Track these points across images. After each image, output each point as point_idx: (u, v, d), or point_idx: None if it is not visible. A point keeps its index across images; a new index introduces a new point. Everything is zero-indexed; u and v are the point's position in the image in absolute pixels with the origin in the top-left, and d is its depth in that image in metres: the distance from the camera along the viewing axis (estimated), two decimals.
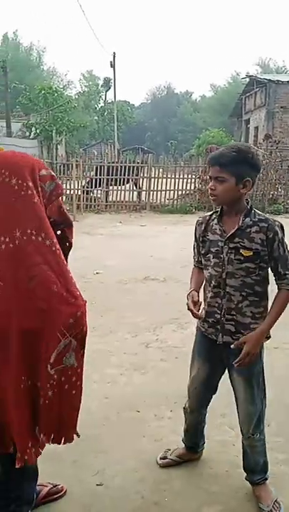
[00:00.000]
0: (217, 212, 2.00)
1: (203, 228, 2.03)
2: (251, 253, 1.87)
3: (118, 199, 13.19)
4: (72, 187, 12.27)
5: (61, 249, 1.52)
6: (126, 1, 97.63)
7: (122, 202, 13.18)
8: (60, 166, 13.22)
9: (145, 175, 13.26)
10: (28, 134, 25.03)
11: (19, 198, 1.42)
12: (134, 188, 13.40)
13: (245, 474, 2.18)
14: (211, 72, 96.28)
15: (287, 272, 1.87)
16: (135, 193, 13.38)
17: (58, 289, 1.42)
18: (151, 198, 13.08)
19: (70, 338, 1.44)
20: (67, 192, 12.51)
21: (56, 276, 1.42)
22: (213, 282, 1.97)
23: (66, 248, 1.66)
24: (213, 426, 2.68)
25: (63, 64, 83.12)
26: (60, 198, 1.60)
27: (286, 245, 1.88)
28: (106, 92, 44.19)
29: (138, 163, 13.45)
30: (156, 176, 13.28)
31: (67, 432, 1.59)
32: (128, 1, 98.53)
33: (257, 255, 1.87)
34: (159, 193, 13.13)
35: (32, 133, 24.69)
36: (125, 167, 12.99)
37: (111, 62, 29.49)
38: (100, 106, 45.35)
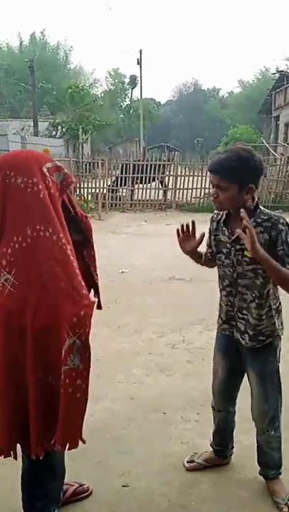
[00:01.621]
0: (227, 211, 1.97)
1: (215, 227, 2.03)
2: None
3: (143, 198, 13.18)
4: (97, 185, 12.33)
5: (80, 241, 1.51)
6: None
7: (148, 200, 13.15)
8: (86, 165, 13.32)
9: (171, 173, 13.20)
10: (54, 133, 25.35)
11: (27, 195, 1.43)
12: (160, 186, 13.35)
13: (259, 468, 2.19)
14: (239, 68, 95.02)
15: None
16: (161, 192, 13.33)
17: (65, 285, 1.42)
18: (177, 196, 13.01)
19: (74, 338, 1.41)
20: (93, 190, 12.59)
21: (63, 272, 1.42)
22: (226, 281, 2.00)
23: (85, 242, 1.69)
24: (242, 430, 2.62)
25: (90, 62, 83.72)
26: (71, 188, 1.60)
27: None
28: (132, 89, 44.29)
29: (164, 161, 13.39)
30: (183, 174, 13.19)
31: (72, 438, 1.54)
32: None
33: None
34: (185, 191, 13.05)
35: (58, 132, 24.99)
36: (151, 165, 12.96)
37: (138, 59, 29.52)
38: (125, 104, 45.46)
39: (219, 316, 2.10)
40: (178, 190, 13.01)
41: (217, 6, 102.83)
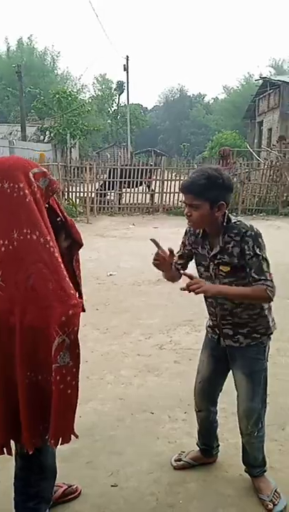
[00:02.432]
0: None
1: (193, 240, 2.08)
2: (229, 268, 1.94)
3: (131, 201, 13.22)
4: (85, 190, 12.34)
5: (70, 247, 1.54)
6: (139, 5, 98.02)
7: (135, 204, 13.20)
8: (74, 169, 13.32)
9: (158, 177, 13.27)
10: (42, 137, 25.30)
11: (12, 200, 1.45)
12: (147, 190, 13.42)
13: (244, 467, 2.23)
14: (224, 74, 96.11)
15: (259, 277, 1.86)
16: (148, 196, 13.39)
17: (53, 286, 1.45)
18: (163, 200, 13.08)
19: (64, 337, 1.45)
20: (81, 194, 12.59)
21: (51, 274, 1.44)
22: None
23: (75, 247, 1.72)
24: (228, 428, 2.66)
25: (77, 68, 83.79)
26: (56, 194, 1.62)
27: (259, 251, 1.88)
28: (119, 95, 44.44)
29: (151, 165, 13.46)
30: (169, 178, 13.28)
31: (65, 433, 1.57)
32: (141, 4, 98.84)
33: (235, 269, 1.93)
34: (171, 195, 13.12)
35: (46, 137, 24.94)
36: (138, 170, 13.01)
37: (124, 65, 29.66)
38: (113, 109, 45.59)
39: (207, 324, 2.19)
40: (165, 194, 13.08)
41: (203, 13, 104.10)
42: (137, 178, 12.97)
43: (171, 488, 2.21)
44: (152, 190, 13.37)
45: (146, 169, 13.11)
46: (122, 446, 2.51)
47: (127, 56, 29.61)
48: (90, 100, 32.66)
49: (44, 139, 25.07)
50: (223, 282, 1.97)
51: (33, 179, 1.50)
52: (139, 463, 2.37)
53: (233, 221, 1.94)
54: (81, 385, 3.26)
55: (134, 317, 4.50)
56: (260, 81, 24.97)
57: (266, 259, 1.89)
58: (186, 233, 2.13)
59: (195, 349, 3.62)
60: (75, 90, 30.67)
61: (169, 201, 13.15)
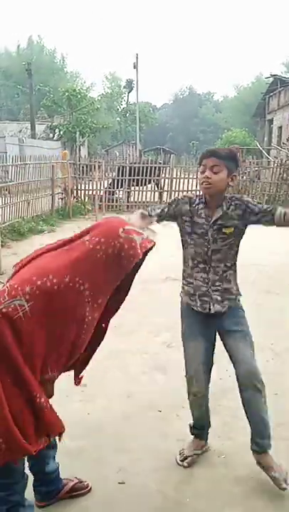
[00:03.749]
0: (200, 197, 2.22)
1: (188, 209, 2.22)
2: (232, 229, 2.15)
3: (139, 199, 13.22)
4: (94, 187, 12.38)
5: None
6: (149, 3, 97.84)
7: (144, 202, 13.19)
8: (83, 167, 13.35)
9: (167, 175, 13.25)
10: (51, 135, 25.38)
11: (84, 250, 1.50)
12: (156, 188, 13.40)
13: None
14: (234, 72, 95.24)
15: (270, 207, 2.14)
16: (156, 194, 13.38)
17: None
18: (172, 198, 13.06)
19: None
20: (90, 192, 12.62)
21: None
22: (198, 259, 2.21)
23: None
24: (237, 428, 2.65)
25: (87, 66, 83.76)
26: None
27: (260, 203, 2.21)
28: (128, 93, 44.33)
29: (160, 163, 13.44)
30: (178, 176, 13.25)
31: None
32: (151, 2, 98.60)
33: (236, 229, 2.16)
34: (180, 193, 13.07)
35: (56, 134, 25.02)
36: (147, 168, 13.01)
37: (134, 63, 29.59)
38: (122, 107, 45.55)
39: (191, 295, 2.25)
40: (173, 192, 13.06)
41: (213, 11, 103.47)
42: (146, 176, 12.96)
43: (178, 486, 2.21)
44: (161, 188, 13.36)
45: (155, 167, 13.09)
46: (130, 443, 2.51)
47: (137, 54, 29.54)
48: (100, 98, 32.68)
49: (53, 136, 25.16)
50: (221, 246, 2.16)
51: (123, 234, 1.51)
52: (147, 460, 2.37)
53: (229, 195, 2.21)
54: (89, 382, 3.27)
55: (142, 315, 4.50)
56: (271, 79, 24.75)
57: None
58: (176, 202, 2.27)
59: None
60: (84, 88, 30.70)
61: None
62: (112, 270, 1.52)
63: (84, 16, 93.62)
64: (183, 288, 2.31)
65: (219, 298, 2.19)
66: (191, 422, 2.43)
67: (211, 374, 2.34)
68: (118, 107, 45.73)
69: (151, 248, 1.63)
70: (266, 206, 2.15)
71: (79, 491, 2.11)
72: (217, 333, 2.27)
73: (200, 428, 2.41)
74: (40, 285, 1.44)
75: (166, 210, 2.29)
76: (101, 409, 2.84)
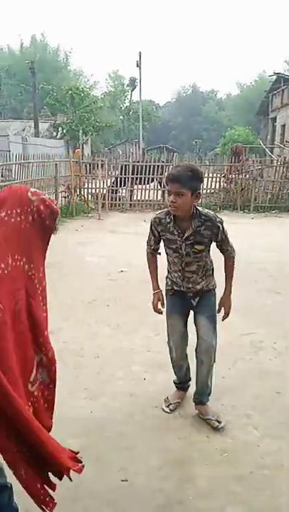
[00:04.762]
0: (170, 215, 2.47)
1: (161, 229, 2.55)
2: (203, 247, 2.48)
3: (142, 198, 13.21)
4: (97, 186, 12.38)
5: None
6: (151, 1, 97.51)
7: (147, 201, 13.19)
8: (86, 166, 13.36)
9: None
10: (54, 134, 25.40)
11: (9, 226, 1.45)
12: (159, 186, 13.38)
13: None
14: (237, 70, 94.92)
15: (228, 248, 2.56)
16: (159, 192, 13.36)
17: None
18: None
19: (41, 355, 1.54)
20: (93, 191, 12.63)
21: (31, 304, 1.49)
22: (174, 267, 2.60)
23: None
24: (238, 426, 2.66)
25: (90, 64, 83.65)
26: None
27: (226, 232, 2.50)
28: (131, 91, 44.26)
29: (163, 162, 13.42)
30: None
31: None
32: (154, 0, 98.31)
33: (206, 246, 2.49)
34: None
35: (59, 133, 25.03)
36: (150, 166, 12.99)
37: (137, 61, 29.51)
38: (125, 105, 45.50)
39: (171, 285, 2.69)
40: None
41: (215, 9, 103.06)
42: (149, 174, 12.95)
43: (180, 484, 2.22)
44: (164, 186, 13.33)
45: (158, 166, 13.07)
46: (132, 442, 2.52)
47: (140, 52, 29.43)
48: (103, 96, 32.66)
49: (57, 135, 25.18)
50: (194, 257, 2.50)
51: (31, 205, 1.48)
52: (149, 459, 2.38)
53: (199, 208, 2.44)
54: (92, 380, 3.29)
55: (144, 314, 4.49)
56: (274, 77, 24.66)
57: (227, 237, 2.52)
58: (152, 224, 2.60)
59: None
60: (87, 87, 30.70)
61: None
62: (40, 235, 1.51)
63: (87, 14, 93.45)
64: (166, 277, 2.75)
65: (194, 295, 2.64)
66: (175, 378, 2.91)
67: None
68: (121, 105, 45.68)
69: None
70: (226, 248, 2.54)
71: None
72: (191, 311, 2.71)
73: (182, 383, 2.91)
74: None
75: (152, 238, 2.66)
76: (104, 407, 2.85)
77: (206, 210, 2.49)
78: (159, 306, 2.74)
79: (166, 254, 2.63)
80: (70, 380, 3.14)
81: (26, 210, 1.47)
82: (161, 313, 2.76)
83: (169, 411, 2.80)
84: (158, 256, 2.74)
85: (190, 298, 2.65)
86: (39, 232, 1.51)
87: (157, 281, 2.76)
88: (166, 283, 2.74)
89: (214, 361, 2.67)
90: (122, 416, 2.76)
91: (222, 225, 2.46)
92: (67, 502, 2.07)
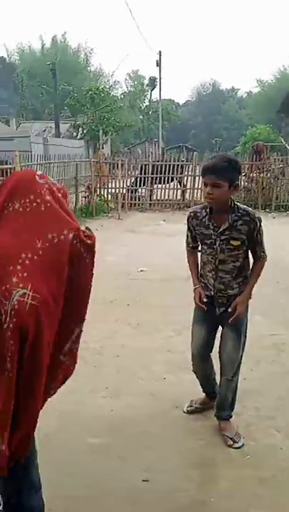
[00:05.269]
0: (206, 209, 2.38)
1: (196, 223, 2.44)
2: (239, 243, 2.33)
3: (162, 197, 13.20)
4: (117, 186, 12.42)
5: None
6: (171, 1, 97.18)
7: (166, 200, 13.17)
8: (106, 166, 13.42)
9: (189, 173, 13.17)
10: (75, 134, 25.62)
11: (28, 216, 1.38)
12: (179, 186, 13.34)
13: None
14: (258, 67, 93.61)
15: (261, 253, 2.42)
16: (179, 192, 13.32)
17: None
18: (195, 196, 12.98)
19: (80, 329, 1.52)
20: (113, 190, 12.68)
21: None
22: (209, 266, 2.45)
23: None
24: (260, 429, 2.63)
25: (110, 64, 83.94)
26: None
27: (262, 233, 2.37)
28: (151, 91, 44.30)
29: (182, 161, 13.37)
30: (201, 174, 13.16)
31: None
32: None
33: (243, 243, 2.34)
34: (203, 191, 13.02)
35: (79, 133, 25.24)
36: (169, 165, 12.96)
37: (157, 61, 29.51)
38: (144, 105, 45.54)
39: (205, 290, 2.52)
40: (196, 190, 12.97)
41: (235, 5, 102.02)
42: (169, 174, 12.92)
43: (202, 485, 2.21)
44: (184, 186, 13.29)
45: (178, 165, 13.03)
46: (154, 442, 2.51)
47: (160, 51, 29.44)
48: (122, 96, 32.77)
49: (77, 135, 25.38)
50: (229, 255, 2.35)
51: (44, 187, 1.41)
52: (171, 459, 2.37)
53: (237, 203, 2.32)
54: (112, 379, 3.29)
55: (165, 313, 4.50)
56: None
57: (263, 239, 2.39)
58: (188, 219, 2.51)
59: None
60: (107, 87, 30.84)
61: (201, 197, 13.03)
62: (59, 211, 1.42)
63: (108, 14, 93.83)
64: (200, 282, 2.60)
65: (225, 301, 2.45)
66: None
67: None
68: (141, 104, 45.74)
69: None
70: (260, 251, 2.40)
71: None
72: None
73: (205, 391, 2.78)
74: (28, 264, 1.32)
75: (189, 235, 2.56)
76: (125, 406, 2.85)
77: (245, 206, 2.37)
78: (199, 303, 2.54)
79: (201, 253, 2.51)
80: (91, 378, 3.15)
81: (40, 193, 1.41)
82: (204, 307, 2.52)
83: (187, 412, 2.76)
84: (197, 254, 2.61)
85: (219, 305, 2.47)
86: (58, 207, 1.42)
87: (198, 277, 2.59)
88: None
89: (236, 375, 2.52)
90: (142, 415, 2.76)
91: (260, 222, 2.33)
92: (87, 500, 2.09)
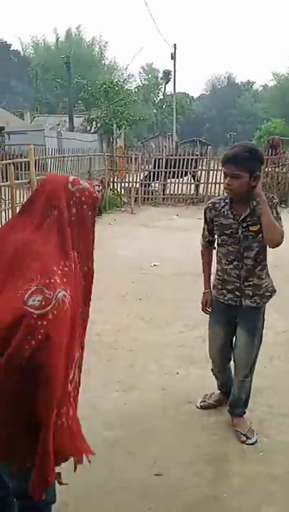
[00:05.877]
0: (225, 199, 2.33)
1: (214, 214, 2.37)
2: (258, 226, 2.23)
3: (176, 192, 13.13)
4: (130, 180, 12.40)
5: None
6: None
7: (180, 195, 13.09)
8: (119, 160, 13.40)
9: (203, 167, 13.07)
10: (89, 128, 25.61)
11: (63, 224, 1.43)
12: (192, 180, 13.25)
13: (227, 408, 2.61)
14: (274, 60, 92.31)
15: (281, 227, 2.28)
16: (193, 186, 13.23)
17: None
18: (209, 190, 12.88)
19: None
20: (126, 185, 12.67)
21: None
22: (231, 257, 2.35)
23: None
24: (273, 425, 2.61)
25: (124, 58, 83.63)
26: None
27: (279, 213, 2.27)
28: (165, 84, 43.99)
29: (196, 155, 13.27)
30: (215, 168, 13.03)
31: None
32: None
33: (262, 227, 2.22)
34: (217, 185, 12.88)
35: (93, 127, 25.22)
36: (183, 160, 12.88)
37: (172, 54, 29.24)
38: (159, 98, 45.26)
39: (221, 289, 2.44)
40: (210, 185, 12.87)
41: None
42: (182, 168, 12.84)
43: (214, 481, 2.20)
44: (197, 180, 13.19)
45: (192, 159, 12.93)
46: (166, 436, 2.51)
47: (175, 44, 29.15)
48: (136, 90, 32.59)
49: (91, 129, 25.37)
50: (252, 243, 2.28)
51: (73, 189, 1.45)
52: (182, 454, 2.37)
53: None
54: (125, 373, 3.30)
55: (177, 308, 4.48)
56: None
57: (280, 218, 2.27)
58: (205, 211, 2.44)
59: None
60: (121, 80, 30.70)
61: (215, 192, 12.92)
62: (86, 224, 1.49)
63: (123, 7, 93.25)
64: (214, 282, 2.52)
65: (251, 293, 2.36)
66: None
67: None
68: (155, 98, 45.47)
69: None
70: (279, 225, 2.24)
71: None
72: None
73: (221, 389, 2.75)
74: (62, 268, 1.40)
75: (206, 228, 2.49)
76: (137, 400, 2.86)
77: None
78: (205, 308, 2.59)
79: (220, 245, 2.41)
80: (104, 372, 3.17)
81: (69, 204, 1.45)
82: (208, 313, 2.58)
83: (200, 407, 2.75)
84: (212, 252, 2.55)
85: (245, 297, 2.36)
86: (84, 221, 1.48)
87: (209, 280, 2.57)
88: (216, 287, 2.50)
89: (249, 376, 2.50)
90: (155, 410, 2.76)
91: (276, 200, 2.27)
92: (99, 494, 2.10)
